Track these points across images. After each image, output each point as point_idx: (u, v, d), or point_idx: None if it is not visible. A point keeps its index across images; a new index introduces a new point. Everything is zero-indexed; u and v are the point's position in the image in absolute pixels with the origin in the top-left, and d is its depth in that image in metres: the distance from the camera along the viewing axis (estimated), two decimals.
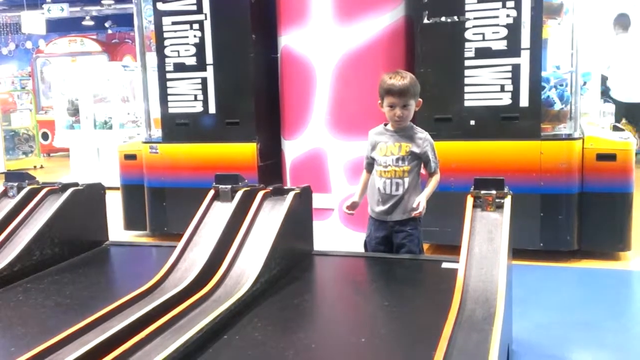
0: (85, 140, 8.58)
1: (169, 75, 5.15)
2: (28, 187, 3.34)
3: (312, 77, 4.79)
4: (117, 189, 5.59)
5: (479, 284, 2.22)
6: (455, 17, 4.34)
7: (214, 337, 2.07)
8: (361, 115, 4.55)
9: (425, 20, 4.42)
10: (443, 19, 4.38)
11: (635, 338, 3.15)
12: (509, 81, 4.27)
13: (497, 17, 4.25)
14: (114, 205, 4.86)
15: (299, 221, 2.97)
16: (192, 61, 5.06)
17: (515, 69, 4.25)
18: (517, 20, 4.21)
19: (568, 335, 3.15)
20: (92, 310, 2.21)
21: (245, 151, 5.00)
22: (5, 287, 2.71)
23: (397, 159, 2.96)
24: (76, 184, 3.35)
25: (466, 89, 4.37)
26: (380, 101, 3.00)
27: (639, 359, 2.90)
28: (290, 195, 2.84)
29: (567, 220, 4.27)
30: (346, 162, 4.73)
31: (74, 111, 9.04)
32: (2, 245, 2.96)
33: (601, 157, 4.26)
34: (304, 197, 2.96)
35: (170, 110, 5.19)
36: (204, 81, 5.06)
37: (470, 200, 2.55)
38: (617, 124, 4.90)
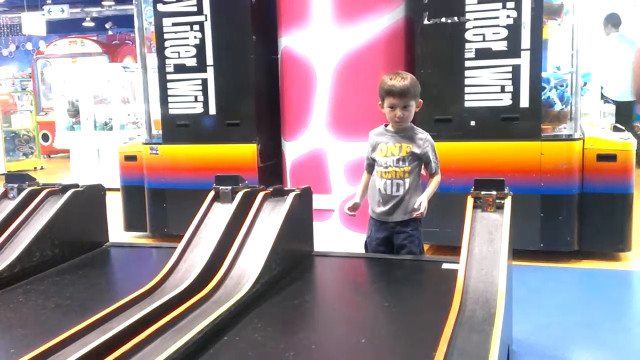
0: (85, 141, 8.59)
1: (169, 77, 5.15)
2: (28, 189, 3.34)
3: (312, 78, 4.79)
4: (118, 190, 5.60)
5: (479, 284, 2.22)
6: (456, 18, 4.35)
7: (214, 338, 2.07)
8: (361, 116, 4.55)
9: (426, 21, 4.43)
10: (443, 19, 4.38)
11: (635, 338, 3.15)
12: (509, 82, 4.27)
13: (497, 17, 4.25)
14: (114, 207, 4.86)
15: (300, 222, 2.97)
16: (192, 62, 5.07)
17: (516, 70, 4.25)
18: (518, 21, 4.21)
19: (568, 335, 3.15)
20: (92, 311, 2.20)
21: (246, 152, 5.01)
22: (5, 288, 2.71)
23: (398, 160, 2.96)
24: (76, 185, 3.35)
25: (466, 89, 4.37)
26: (381, 102, 3.00)
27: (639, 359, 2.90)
28: (291, 196, 2.84)
29: (568, 220, 4.27)
30: (346, 162, 4.74)
31: (75, 112, 9.06)
32: (2, 246, 2.96)
33: (601, 157, 4.26)
34: (304, 198, 2.96)
35: (171, 112, 5.19)
36: (204, 82, 5.06)
37: (470, 200, 2.54)
38: (617, 124, 4.90)
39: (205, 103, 5.08)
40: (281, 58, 5.04)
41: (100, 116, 8.72)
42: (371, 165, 3.08)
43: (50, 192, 3.28)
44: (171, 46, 5.11)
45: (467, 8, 4.31)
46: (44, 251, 3.01)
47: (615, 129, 4.77)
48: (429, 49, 4.47)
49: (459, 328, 1.98)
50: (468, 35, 4.33)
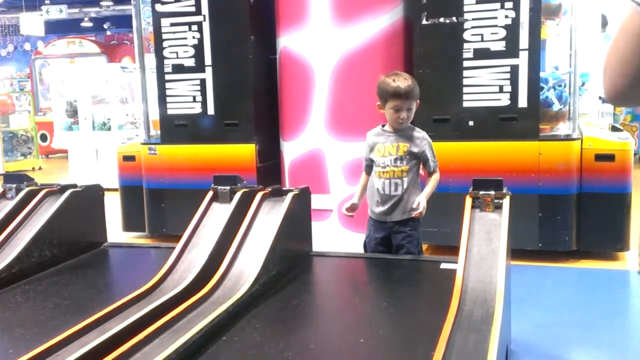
0: (83, 141, 8.58)
1: (167, 77, 5.14)
2: (27, 189, 3.34)
3: (310, 78, 4.79)
4: (116, 190, 5.59)
5: (477, 284, 2.22)
6: (454, 18, 4.35)
7: (212, 338, 2.07)
8: (360, 116, 4.55)
9: (424, 21, 4.43)
10: (441, 19, 4.38)
11: (633, 338, 3.15)
12: (508, 82, 4.28)
13: (495, 17, 4.25)
14: (113, 207, 4.86)
15: (298, 222, 2.97)
16: (190, 62, 5.06)
17: (514, 70, 4.26)
18: (516, 21, 4.21)
19: (566, 335, 3.15)
20: (91, 311, 2.21)
21: (244, 152, 5.00)
22: (4, 288, 2.71)
23: (396, 159, 2.96)
24: (75, 186, 3.35)
25: (465, 89, 4.37)
26: (381, 103, 2.99)
27: (637, 359, 2.90)
28: (289, 196, 2.84)
29: (566, 220, 4.28)
30: (345, 162, 4.73)
31: (73, 113, 9.05)
32: (0, 246, 2.96)
33: (600, 157, 4.26)
34: (303, 198, 2.97)
35: (169, 112, 5.19)
36: (202, 82, 5.06)
37: (468, 200, 2.55)
38: (616, 124, 4.91)
39: (204, 103, 5.08)
40: (279, 58, 5.03)
41: (98, 116, 8.72)
42: (369, 166, 3.08)
43: (49, 193, 3.28)
44: (169, 46, 5.11)
45: (466, 8, 4.31)
46: (42, 251, 3.01)
47: (614, 128, 4.78)
48: (428, 49, 4.47)
49: (457, 328, 1.99)
50: (466, 36, 4.33)
